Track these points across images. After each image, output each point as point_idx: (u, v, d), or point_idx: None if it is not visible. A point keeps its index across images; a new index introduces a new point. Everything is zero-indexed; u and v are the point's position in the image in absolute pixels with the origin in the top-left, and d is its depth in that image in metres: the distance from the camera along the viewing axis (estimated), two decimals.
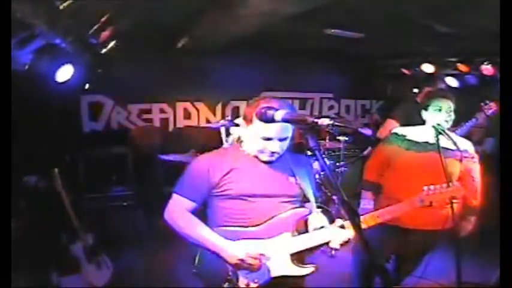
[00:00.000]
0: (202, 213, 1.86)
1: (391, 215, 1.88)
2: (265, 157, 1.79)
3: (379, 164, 2.67)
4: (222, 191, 1.78)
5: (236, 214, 1.77)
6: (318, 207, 1.88)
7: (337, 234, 1.75)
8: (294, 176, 1.84)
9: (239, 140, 1.93)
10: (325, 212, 2.13)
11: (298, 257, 1.78)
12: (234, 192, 1.76)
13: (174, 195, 1.85)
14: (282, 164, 1.84)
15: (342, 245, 1.74)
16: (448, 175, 2.18)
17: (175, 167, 2.80)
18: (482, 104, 3.39)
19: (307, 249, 1.77)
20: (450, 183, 1.96)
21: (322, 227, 1.79)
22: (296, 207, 1.82)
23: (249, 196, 1.76)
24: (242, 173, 1.78)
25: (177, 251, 3.59)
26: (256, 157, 1.81)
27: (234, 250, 1.69)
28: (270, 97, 1.79)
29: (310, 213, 1.84)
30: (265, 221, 1.76)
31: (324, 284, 3.11)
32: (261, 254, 1.71)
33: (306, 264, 1.80)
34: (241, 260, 1.67)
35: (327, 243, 1.76)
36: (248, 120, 1.77)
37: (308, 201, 1.86)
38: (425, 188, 1.91)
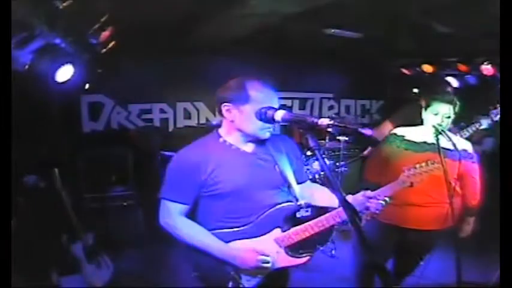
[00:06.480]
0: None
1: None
2: (267, 133, 1.72)
3: (378, 163, 2.67)
4: (211, 190, 1.70)
5: (229, 213, 1.73)
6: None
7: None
8: (276, 162, 1.78)
9: (217, 130, 1.84)
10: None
11: (293, 248, 1.77)
12: (224, 190, 1.69)
13: (164, 202, 1.75)
14: (265, 152, 1.79)
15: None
16: (446, 175, 2.18)
17: None
18: (491, 107, 3.34)
19: (301, 241, 1.76)
20: (428, 162, 1.96)
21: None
22: (285, 201, 1.78)
23: (240, 192, 1.70)
24: (229, 169, 1.70)
25: (177, 251, 3.59)
26: (239, 149, 1.75)
27: (245, 256, 1.67)
28: (240, 78, 1.72)
29: (298, 208, 1.78)
30: (255, 218, 1.73)
31: (324, 284, 3.10)
32: (266, 254, 1.70)
33: (300, 254, 1.78)
34: (256, 266, 1.67)
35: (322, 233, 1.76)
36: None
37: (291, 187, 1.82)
38: (405, 169, 1.92)
